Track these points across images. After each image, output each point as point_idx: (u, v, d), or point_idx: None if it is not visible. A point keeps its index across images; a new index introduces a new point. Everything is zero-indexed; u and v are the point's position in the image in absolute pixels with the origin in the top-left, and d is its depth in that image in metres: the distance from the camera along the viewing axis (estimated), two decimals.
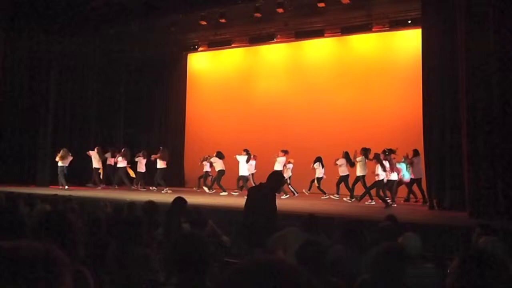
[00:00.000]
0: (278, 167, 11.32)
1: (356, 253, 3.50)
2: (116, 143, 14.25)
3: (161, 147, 12.99)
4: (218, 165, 12.12)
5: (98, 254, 3.17)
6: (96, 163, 12.96)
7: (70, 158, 12.45)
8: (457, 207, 8.35)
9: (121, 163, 12.96)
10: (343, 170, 10.81)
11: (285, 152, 11.66)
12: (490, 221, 5.63)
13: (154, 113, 15.79)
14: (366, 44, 13.37)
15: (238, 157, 11.87)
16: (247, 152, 11.89)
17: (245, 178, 11.97)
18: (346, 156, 10.69)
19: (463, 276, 1.72)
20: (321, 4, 11.70)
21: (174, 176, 14.47)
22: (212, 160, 12.34)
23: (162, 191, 11.97)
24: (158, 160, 12.61)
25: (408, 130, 11.24)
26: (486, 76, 7.34)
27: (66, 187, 12.04)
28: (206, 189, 12.57)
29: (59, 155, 12.36)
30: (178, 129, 15.82)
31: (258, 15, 12.57)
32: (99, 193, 11.04)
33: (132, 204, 6.33)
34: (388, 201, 9.47)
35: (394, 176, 10.00)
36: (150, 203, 5.57)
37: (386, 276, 2.51)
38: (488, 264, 1.71)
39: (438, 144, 9.03)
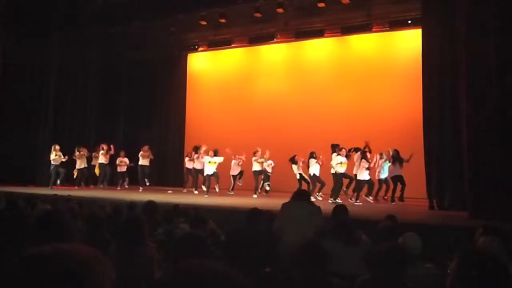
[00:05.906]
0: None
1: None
2: (116, 143, 14.23)
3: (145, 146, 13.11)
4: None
5: None
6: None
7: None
8: (457, 207, 8.34)
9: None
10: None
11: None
12: (489, 221, 5.63)
13: (154, 113, 15.78)
14: (366, 44, 13.35)
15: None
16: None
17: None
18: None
19: (463, 276, 1.72)
20: (321, 4, 11.69)
21: (175, 176, 14.48)
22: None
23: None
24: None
25: (408, 130, 11.22)
26: (486, 76, 7.33)
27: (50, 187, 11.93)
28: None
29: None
30: (178, 129, 15.80)
31: (258, 15, 12.56)
32: (99, 193, 11.03)
33: (132, 204, 6.35)
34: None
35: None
36: (150, 203, 5.57)
37: (386, 276, 2.51)
38: (488, 264, 1.71)
39: (438, 144, 9.02)
